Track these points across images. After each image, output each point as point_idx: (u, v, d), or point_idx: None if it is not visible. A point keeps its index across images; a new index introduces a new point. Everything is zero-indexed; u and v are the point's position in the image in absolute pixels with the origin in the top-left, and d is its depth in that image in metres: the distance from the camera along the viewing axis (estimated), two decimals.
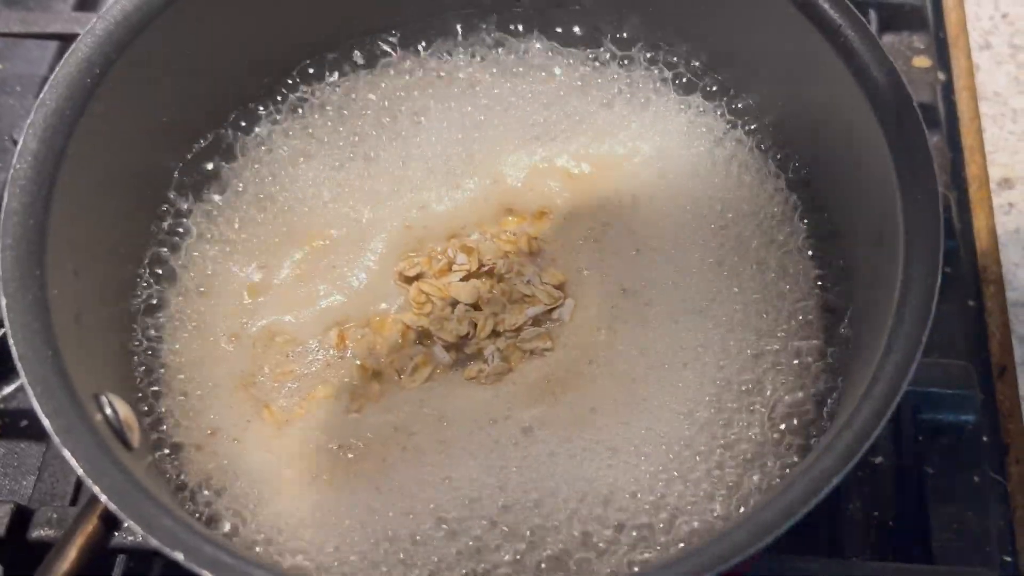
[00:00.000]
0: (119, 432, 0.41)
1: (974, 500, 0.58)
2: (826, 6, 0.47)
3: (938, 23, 0.75)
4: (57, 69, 0.44)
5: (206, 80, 0.51)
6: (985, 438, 0.61)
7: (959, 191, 0.69)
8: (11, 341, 0.38)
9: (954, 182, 0.69)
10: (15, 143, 0.64)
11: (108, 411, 0.41)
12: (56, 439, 0.37)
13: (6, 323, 0.39)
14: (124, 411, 0.42)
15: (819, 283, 0.52)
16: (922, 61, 0.72)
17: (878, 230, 0.45)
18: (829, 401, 0.48)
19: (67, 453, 0.36)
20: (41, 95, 0.44)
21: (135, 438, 0.42)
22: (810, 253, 0.53)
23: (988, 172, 0.68)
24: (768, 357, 0.51)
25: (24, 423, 0.67)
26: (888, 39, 0.72)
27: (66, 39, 0.70)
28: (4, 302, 0.39)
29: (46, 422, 0.37)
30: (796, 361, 0.50)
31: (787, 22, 0.48)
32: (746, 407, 0.50)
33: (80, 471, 0.36)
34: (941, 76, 0.73)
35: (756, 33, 0.51)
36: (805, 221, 0.53)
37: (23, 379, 0.38)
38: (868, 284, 0.47)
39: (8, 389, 0.68)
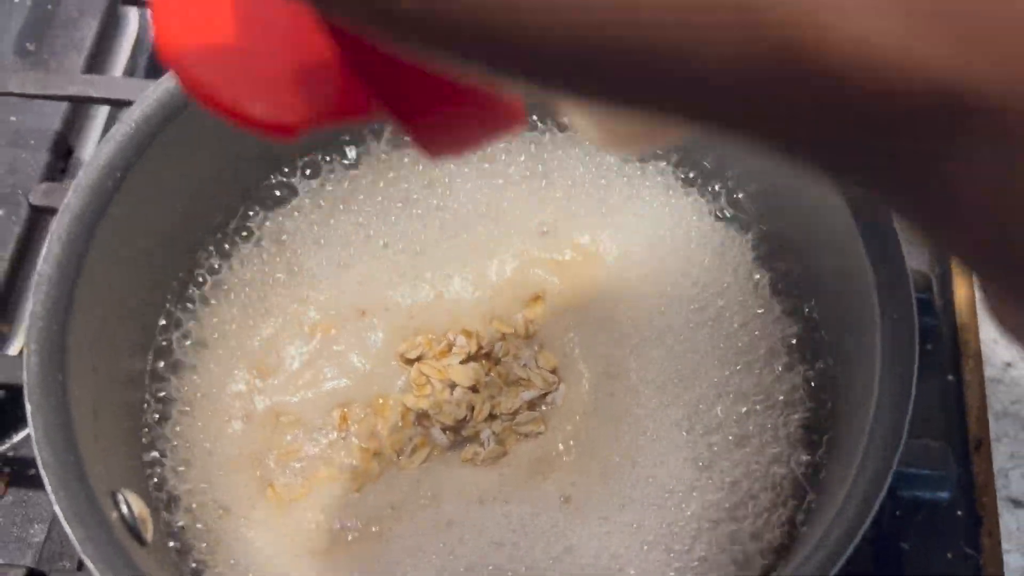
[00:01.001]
0: (134, 530, 0.43)
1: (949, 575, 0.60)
2: None
3: None
4: (80, 174, 0.47)
5: (219, 174, 0.53)
6: (960, 512, 0.64)
7: (941, 266, 0.71)
8: (35, 448, 0.40)
9: (936, 258, 0.71)
10: (29, 203, 0.67)
11: (124, 509, 0.43)
12: (78, 548, 0.39)
13: (31, 430, 0.41)
14: (139, 507, 0.44)
15: (799, 368, 0.54)
16: None
17: (857, 337, 0.48)
18: (807, 497, 0.50)
19: (88, 563, 0.38)
20: (65, 199, 0.46)
21: (149, 532, 0.44)
22: (793, 342, 0.55)
23: None
24: (751, 440, 0.53)
25: (32, 472, 0.69)
26: None
27: (79, 101, 0.72)
28: (29, 409, 0.41)
29: (68, 531, 0.39)
30: (775, 449, 0.53)
31: None
32: (728, 491, 0.52)
33: None
34: None
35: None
36: (784, 309, 0.56)
37: (47, 486, 0.40)
38: (845, 384, 0.49)
39: (17, 438, 0.70)
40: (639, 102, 0.14)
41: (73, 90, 0.69)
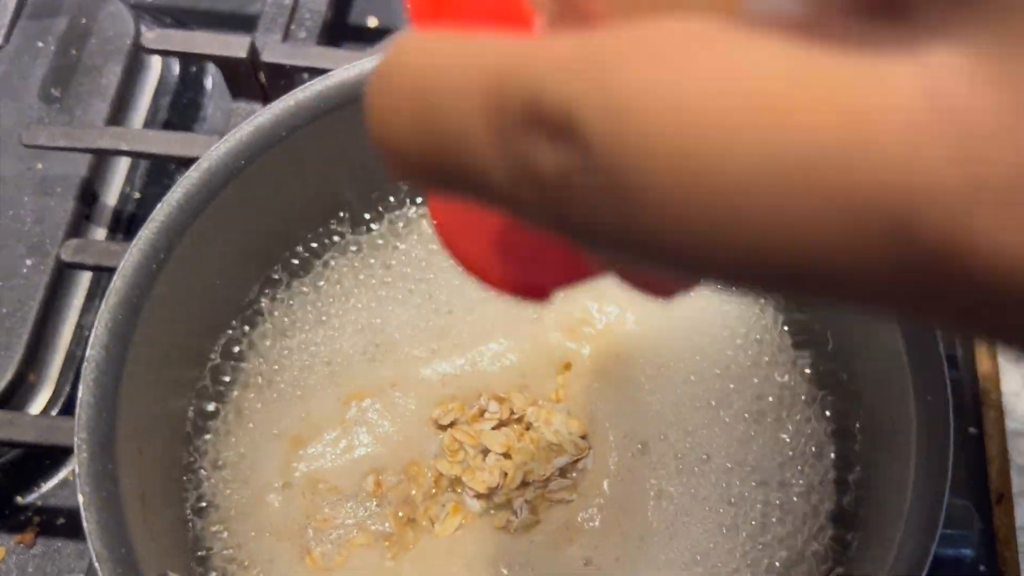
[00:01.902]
0: None
1: None
2: None
3: None
4: (124, 258, 0.47)
5: (249, 249, 0.54)
6: (982, 567, 0.65)
7: None
8: (89, 541, 0.41)
9: None
10: (60, 259, 0.67)
11: None
12: None
13: (84, 524, 0.41)
14: None
15: (831, 456, 0.55)
16: None
17: (890, 432, 0.48)
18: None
19: None
20: (112, 283, 0.46)
21: None
22: (825, 426, 0.56)
23: None
24: (779, 520, 0.54)
25: (61, 521, 0.69)
26: None
27: (108, 154, 0.73)
28: (81, 500, 0.42)
29: None
30: (804, 524, 0.54)
31: None
32: (753, 566, 0.53)
33: None
34: None
35: None
36: (813, 384, 0.56)
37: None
38: (878, 468, 0.50)
39: (45, 488, 0.70)
40: (784, 290, 0.16)
41: (103, 143, 0.69)
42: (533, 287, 0.23)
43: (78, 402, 0.43)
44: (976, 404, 0.70)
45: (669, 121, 0.15)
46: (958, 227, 0.13)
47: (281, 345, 0.56)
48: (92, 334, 0.45)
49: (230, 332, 0.56)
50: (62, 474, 0.70)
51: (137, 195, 0.79)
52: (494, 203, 0.18)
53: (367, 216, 0.59)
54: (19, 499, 0.70)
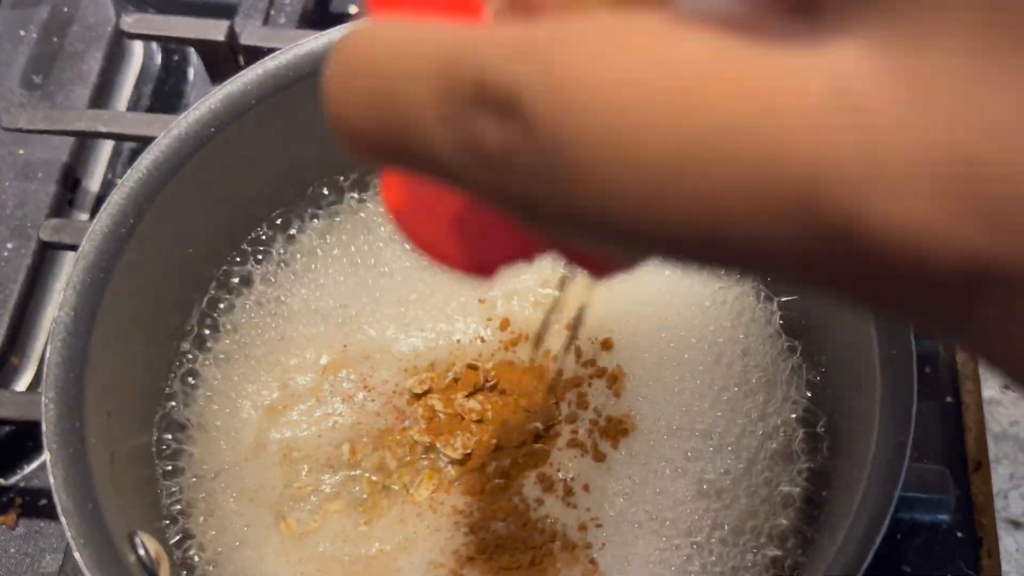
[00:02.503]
0: (151, 571, 0.44)
1: None
2: None
3: None
4: (94, 222, 0.47)
5: (222, 221, 0.54)
6: (960, 534, 0.65)
7: None
8: (56, 497, 0.41)
9: None
10: (40, 239, 0.68)
11: (141, 552, 0.44)
12: None
13: (51, 479, 0.42)
14: (154, 548, 0.45)
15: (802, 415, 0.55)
16: None
17: (858, 377, 0.49)
18: (808, 534, 0.51)
19: None
20: (80, 247, 0.47)
21: (166, 572, 0.45)
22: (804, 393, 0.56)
23: None
24: (752, 474, 0.54)
25: (43, 502, 0.70)
26: None
27: (88, 136, 0.73)
28: (48, 457, 0.42)
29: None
30: (776, 483, 0.54)
31: None
32: (730, 528, 0.53)
33: None
34: None
35: None
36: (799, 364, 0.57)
37: (67, 534, 0.41)
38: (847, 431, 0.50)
39: (28, 470, 0.71)
40: (709, 263, 0.18)
41: (81, 125, 0.70)
42: (479, 263, 0.24)
43: (46, 362, 0.44)
44: (953, 374, 0.70)
45: (602, 101, 0.16)
46: (855, 201, 0.15)
47: (254, 316, 0.57)
48: (61, 296, 0.45)
49: (204, 301, 0.56)
50: (44, 455, 0.71)
51: (119, 180, 0.79)
52: (444, 178, 0.19)
53: (339, 187, 0.60)
54: (1, 481, 0.70)
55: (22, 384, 0.71)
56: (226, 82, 0.51)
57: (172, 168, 0.49)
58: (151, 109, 0.82)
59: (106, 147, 0.80)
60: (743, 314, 0.57)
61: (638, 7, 0.18)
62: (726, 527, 0.52)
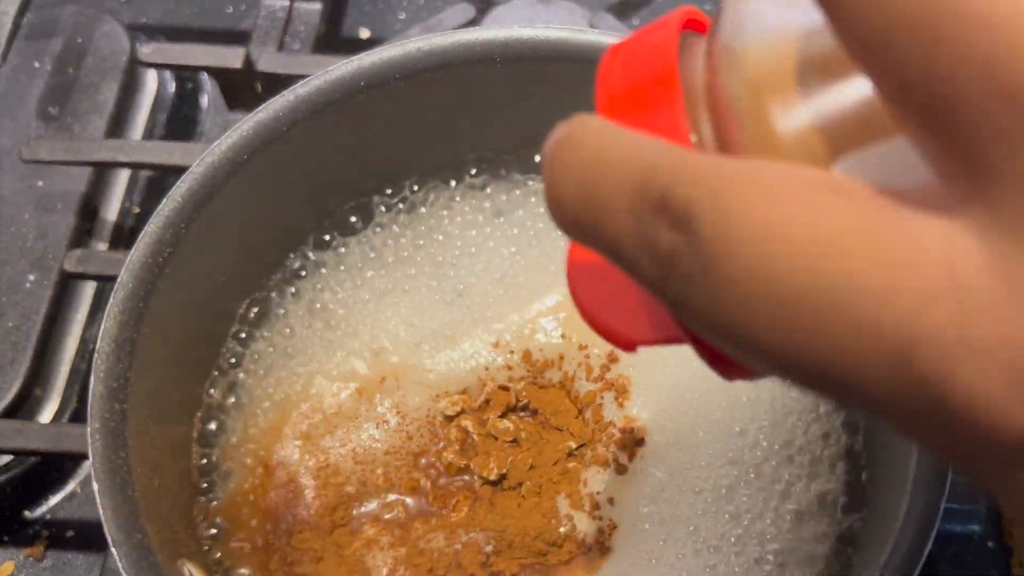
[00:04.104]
0: None
1: None
2: None
3: None
4: (131, 252, 0.48)
5: (260, 237, 0.55)
6: (990, 544, 0.65)
7: None
8: (105, 528, 0.41)
9: None
10: (63, 270, 0.68)
11: None
12: None
13: (100, 510, 0.42)
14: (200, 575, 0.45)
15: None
16: None
17: None
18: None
19: None
20: (119, 277, 0.47)
21: None
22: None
23: None
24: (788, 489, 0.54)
25: (70, 533, 0.70)
26: None
27: (107, 167, 0.73)
28: (97, 488, 0.42)
29: None
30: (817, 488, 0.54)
31: None
32: (764, 543, 0.53)
33: None
34: None
35: None
36: None
37: (118, 564, 0.41)
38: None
39: (53, 501, 0.70)
40: (813, 389, 0.21)
41: (102, 156, 0.70)
42: (625, 336, 0.28)
43: (90, 393, 0.44)
44: None
45: (756, 238, 0.20)
46: (945, 368, 0.18)
47: (288, 340, 0.57)
48: (101, 327, 0.45)
49: (236, 328, 0.56)
50: (70, 487, 0.71)
51: (136, 210, 0.80)
52: (620, 262, 0.23)
53: (370, 211, 0.60)
54: (27, 513, 0.70)
55: (47, 415, 0.71)
56: (257, 110, 0.51)
57: (206, 196, 0.49)
58: (165, 137, 0.82)
59: (123, 177, 0.80)
60: None
61: (805, 162, 0.22)
62: (751, 534, 0.52)
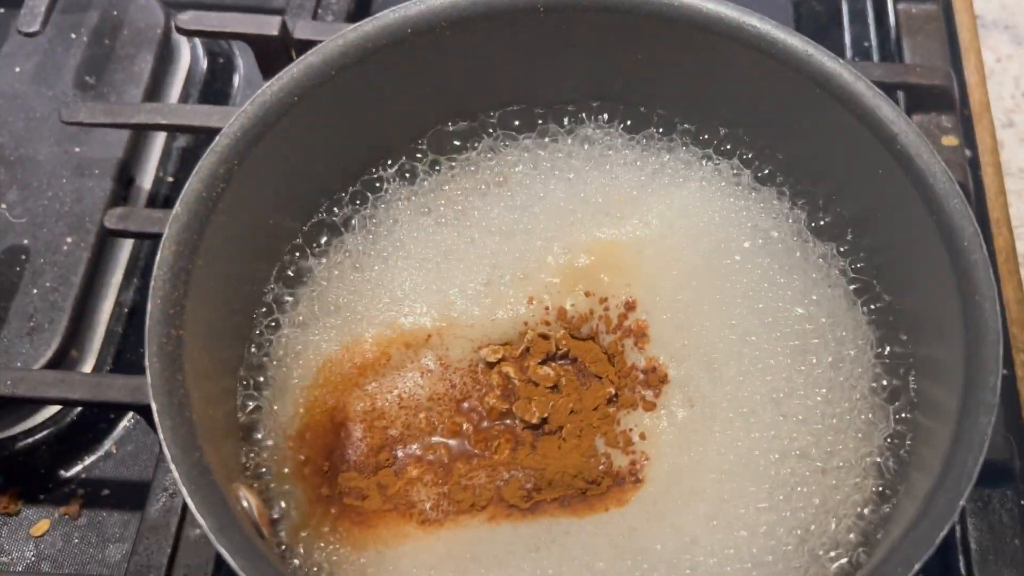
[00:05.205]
0: (255, 524, 0.44)
1: (1016, 564, 0.61)
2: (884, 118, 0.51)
3: (964, 103, 0.80)
4: (187, 185, 0.48)
5: (307, 179, 0.55)
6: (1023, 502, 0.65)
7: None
8: (164, 444, 0.42)
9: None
10: (104, 227, 0.68)
11: (244, 503, 0.44)
12: (212, 538, 0.40)
13: (158, 428, 0.42)
14: (256, 503, 0.45)
15: (879, 371, 0.56)
16: (950, 140, 0.77)
17: (940, 328, 0.49)
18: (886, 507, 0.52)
19: (224, 553, 0.40)
20: (174, 210, 0.48)
21: (267, 528, 0.45)
22: (874, 346, 0.57)
23: (1015, 245, 0.73)
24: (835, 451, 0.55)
25: (105, 492, 0.70)
26: (917, 119, 0.77)
27: (146, 128, 0.74)
28: (155, 407, 0.42)
29: (202, 523, 0.40)
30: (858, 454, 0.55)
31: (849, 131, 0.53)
32: (809, 494, 0.53)
33: (236, 567, 0.39)
34: (968, 153, 0.78)
35: (825, 144, 0.56)
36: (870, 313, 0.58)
37: (177, 480, 0.41)
38: (930, 379, 0.51)
39: (89, 460, 0.71)
40: None
41: (141, 118, 0.71)
42: None
43: (147, 317, 0.45)
44: (1007, 347, 0.71)
45: None
46: None
47: (335, 287, 0.57)
48: (157, 258, 0.46)
49: (284, 269, 0.57)
50: (106, 446, 0.71)
51: (170, 178, 0.81)
52: None
53: (414, 161, 0.61)
54: (63, 472, 0.70)
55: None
56: (307, 53, 0.52)
57: (258, 134, 0.50)
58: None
59: (157, 145, 0.81)
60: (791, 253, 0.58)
61: None
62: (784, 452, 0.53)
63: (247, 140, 0.50)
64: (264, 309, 0.56)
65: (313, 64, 0.52)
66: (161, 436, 0.42)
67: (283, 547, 0.49)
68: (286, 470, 0.52)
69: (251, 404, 0.53)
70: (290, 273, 0.57)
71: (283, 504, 0.51)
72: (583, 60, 0.58)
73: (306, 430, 0.54)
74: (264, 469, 0.52)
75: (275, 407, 0.54)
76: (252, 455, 0.52)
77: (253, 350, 0.55)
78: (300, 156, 0.54)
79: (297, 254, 0.58)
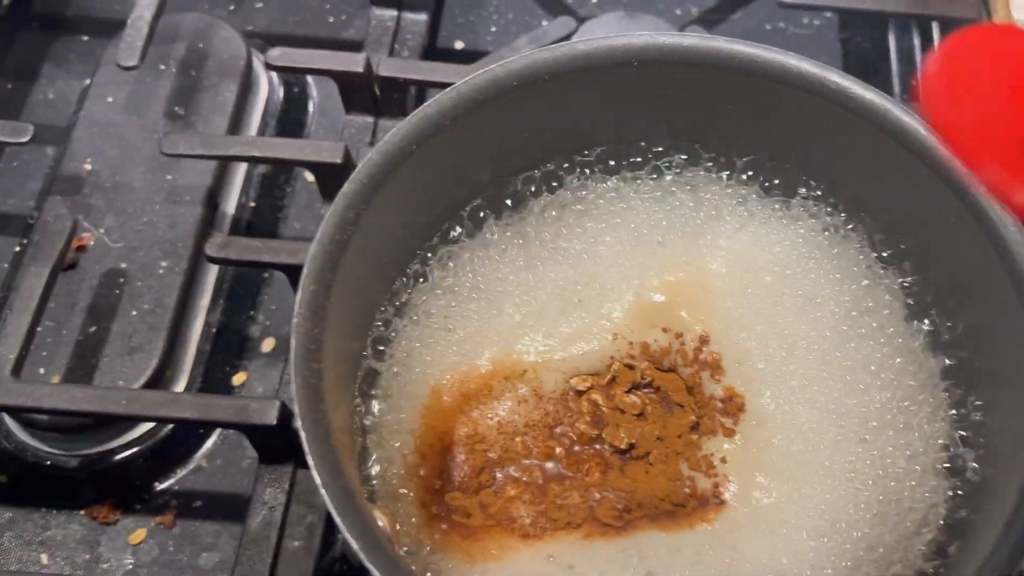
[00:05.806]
0: (390, 542, 0.48)
1: None
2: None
3: None
4: (321, 228, 0.53)
5: (427, 210, 0.61)
6: None
7: None
8: (314, 471, 0.46)
9: None
10: (207, 255, 0.72)
11: (380, 523, 0.48)
12: (362, 557, 0.44)
13: (308, 456, 0.46)
14: (387, 521, 0.49)
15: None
16: None
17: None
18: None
19: (373, 569, 0.44)
20: (311, 250, 0.52)
21: (399, 545, 0.50)
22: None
23: None
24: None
25: (197, 503, 0.74)
26: None
27: (240, 160, 0.78)
28: (304, 437, 0.47)
29: (353, 544, 0.44)
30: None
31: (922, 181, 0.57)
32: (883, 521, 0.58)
33: None
34: None
35: (900, 193, 0.60)
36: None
37: (328, 504, 0.45)
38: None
39: (182, 473, 0.75)
40: None
41: (236, 151, 0.75)
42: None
43: (291, 353, 0.49)
44: None
45: None
46: None
47: (441, 315, 0.62)
48: (297, 296, 0.50)
49: (391, 297, 0.62)
50: (196, 461, 0.75)
51: (252, 204, 0.85)
52: None
53: (510, 198, 0.65)
54: (156, 484, 0.74)
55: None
56: (424, 105, 0.56)
57: (382, 178, 0.54)
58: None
59: (240, 173, 0.85)
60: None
61: None
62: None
63: (372, 185, 0.54)
64: (371, 339, 0.61)
65: (430, 115, 0.56)
66: (311, 463, 0.46)
67: (412, 565, 0.53)
68: (402, 491, 0.56)
69: (366, 433, 0.57)
70: (396, 306, 0.62)
71: (400, 523, 0.55)
72: (670, 109, 0.63)
73: (418, 453, 0.58)
74: (380, 491, 0.56)
75: (389, 435, 0.58)
76: (372, 479, 0.56)
77: (371, 380, 0.59)
78: (414, 197, 0.58)
79: (409, 290, 0.62)
